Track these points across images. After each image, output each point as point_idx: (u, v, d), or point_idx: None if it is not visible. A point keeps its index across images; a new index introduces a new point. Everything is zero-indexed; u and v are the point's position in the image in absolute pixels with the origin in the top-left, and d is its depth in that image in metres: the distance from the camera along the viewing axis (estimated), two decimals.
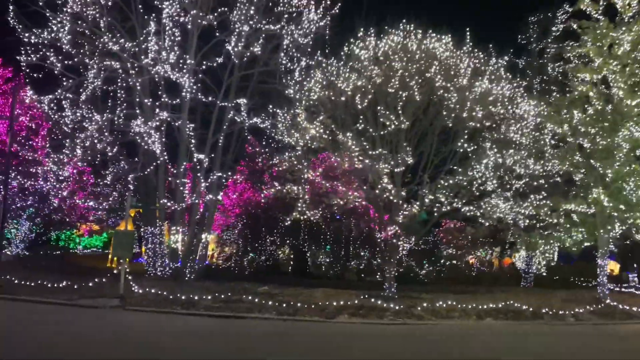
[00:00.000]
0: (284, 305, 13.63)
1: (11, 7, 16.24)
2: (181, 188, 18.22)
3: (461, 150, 14.36)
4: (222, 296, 14.14)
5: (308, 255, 28.37)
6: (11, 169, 22.28)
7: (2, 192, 18.50)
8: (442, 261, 28.30)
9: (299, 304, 13.62)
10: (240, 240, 27.44)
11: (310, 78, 15.49)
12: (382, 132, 14.37)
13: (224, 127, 18.33)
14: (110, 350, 9.25)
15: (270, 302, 13.77)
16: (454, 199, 14.45)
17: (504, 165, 14.48)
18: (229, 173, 18.98)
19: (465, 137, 14.44)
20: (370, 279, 26.98)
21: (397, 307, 13.89)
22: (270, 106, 17.74)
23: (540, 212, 16.05)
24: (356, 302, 13.82)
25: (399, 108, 14.12)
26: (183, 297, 13.97)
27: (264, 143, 18.08)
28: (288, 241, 27.89)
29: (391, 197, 14.32)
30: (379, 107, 14.11)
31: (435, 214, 14.77)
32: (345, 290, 17.58)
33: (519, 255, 29.03)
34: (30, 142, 22.57)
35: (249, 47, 17.44)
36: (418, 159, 14.61)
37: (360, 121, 14.44)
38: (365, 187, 14.39)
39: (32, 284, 15.42)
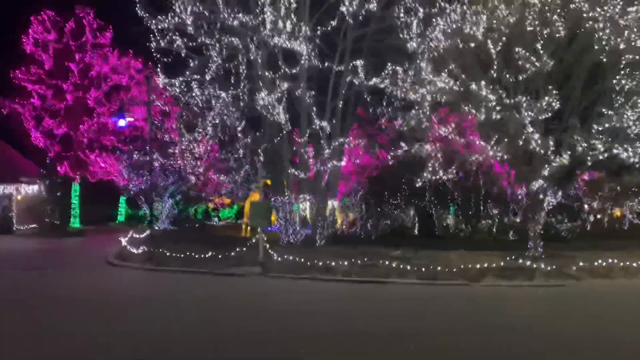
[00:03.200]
0: (423, 269, 13.21)
1: None
2: (306, 157, 18.35)
3: (617, 87, 12.51)
4: (359, 261, 14.06)
5: (434, 217, 27.57)
6: (153, 151, 24.26)
7: (148, 174, 20.06)
8: (585, 215, 25.89)
9: (439, 268, 13.10)
10: (363, 205, 27.40)
11: (433, 27, 14.44)
12: (520, 77, 13.00)
13: (342, 91, 17.99)
14: (281, 320, 9.41)
15: (408, 267, 13.42)
16: (612, 144, 12.72)
17: None
18: (350, 138, 18.70)
19: (622, 72, 12.52)
20: (503, 238, 25.60)
21: (547, 268, 12.80)
22: (389, 64, 16.98)
23: None
24: (502, 263, 12.96)
25: (539, 47, 12.62)
26: (320, 263, 14.14)
27: (384, 104, 17.45)
28: (413, 203, 27.30)
29: (537, 148, 13.01)
30: (516, 49, 12.72)
31: (589, 163, 13.17)
32: (482, 252, 16.69)
33: None
34: (167, 124, 24.25)
35: (363, 4, 16.74)
36: (563, 103, 13.03)
37: (495, 67, 13.17)
38: (506, 140, 13.23)
39: (182, 256, 16.62)
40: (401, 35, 17.23)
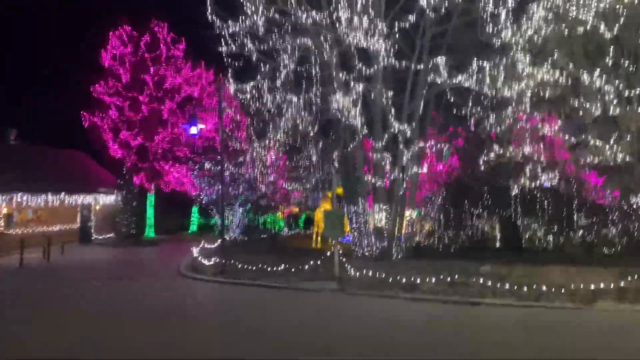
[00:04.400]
0: (524, 288, 11.51)
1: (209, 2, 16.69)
2: (383, 163, 17.07)
3: None
4: (448, 279, 12.57)
5: (521, 228, 25.37)
6: (223, 161, 23.94)
7: (220, 184, 19.53)
8: None
9: (544, 287, 11.35)
10: (442, 215, 25.71)
11: (529, 15, 12.78)
12: None
13: (423, 92, 16.60)
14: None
15: (506, 285, 11.77)
16: None
17: None
18: (432, 142, 17.20)
19: None
20: (600, 252, 23.03)
21: None
22: (475, 60, 15.42)
23: None
24: (621, 283, 11.01)
25: None
26: (403, 280, 12.79)
27: (469, 104, 15.82)
28: (497, 213, 25.27)
29: None
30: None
31: None
32: (587, 268, 14.65)
33: None
34: (236, 134, 23.85)
35: None
36: None
37: (610, 55, 11.34)
38: (628, 138, 11.32)
39: (253, 268, 15.85)
40: (487, 29, 15.69)
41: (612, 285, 11.00)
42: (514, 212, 24.86)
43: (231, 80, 16.76)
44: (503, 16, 15.18)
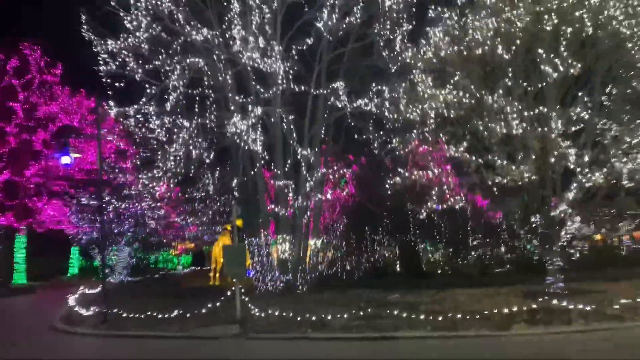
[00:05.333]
0: (440, 317, 10.95)
1: (83, 16, 14.83)
2: (286, 191, 16.07)
3: None
4: (361, 312, 11.70)
5: (420, 252, 25.60)
6: (106, 195, 21.46)
7: (99, 220, 17.19)
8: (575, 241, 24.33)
9: (458, 315, 10.87)
10: (343, 242, 25.27)
11: (427, 38, 12.71)
12: (541, 85, 11.30)
13: (324, 116, 16.00)
14: None
15: (420, 316, 11.14)
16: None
17: None
18: (335, 168, 16.59)
19: None
20: (493, 272, 23.87)
21: (585, 307, 10.77)
22: (374, 84, 15.20)
23: None
24: (533, 305, 10.83)
25: (561, 49, 10.93)
26: (313, 318, 11.69)
27: (370, 128, 15.48)
28: (397, 239, 25.30)
29: (570, 165, 11.17)
30: (539, 51, 11.00)
31: (626, 182, 11.35)
32: (491, 289, 14.70)
33: None
34: (119, 165, 21.58)
35: (343, 18, 15.01)
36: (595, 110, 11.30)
37: (509, 76, 11.43)
38: (534, 157, 11.35)
39: (142, 316, 13.84)
40: (384, 54, 15.62)
41: (523, 307, 10.79)
42: (414, 237, 25.14)
43: (112, 104, 14.88)
44: (399, 41, 15.21)
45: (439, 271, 24.75)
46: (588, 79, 11.69)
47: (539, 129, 11.00)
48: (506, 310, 10.72)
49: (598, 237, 26.29)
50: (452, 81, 11.78)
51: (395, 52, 14.98)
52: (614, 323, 10.37)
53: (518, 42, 11.25)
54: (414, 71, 12.88)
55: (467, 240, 24.26)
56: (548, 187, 12.19)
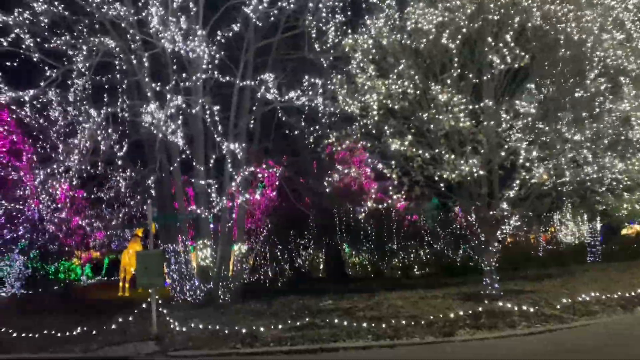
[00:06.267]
0: (381, 324, 10.13)
1: None
2: (209, 190, 14.62)
3: (603, 87, 10.77)
4: (297, 322, 10.61)
5: (345, 256, 25.02)
6: None
7: None
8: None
9: (402, 321, 10.12)
10: (267, 247, 24.12)
11: (366, 28, 11.94)
12: (487, 76, 10.88)
13: (252, 109, 14.78)
14: None
15: (362, 323, 10.27)
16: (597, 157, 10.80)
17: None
18: (264, 166, 15.42)
19: (601, 69, 10.88)
20: (420, 274, 23.93)
21: (527, 309, 10.45)
22: (306, 76, 14.26)
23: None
24: (479, 309, 10.33)
25: (508, 39, 10.54)
26: (243, 330, 10.42)
27: (303, 124, 14.47)
28: (323, 243, 24.52)
29: (520, 159, 10.76)
30: (488, 40, 10.51)
31: (567, 178, 11.17)
32: (428, 293, 14.32)
33: (571, 228, 26.01)
34: (12, 161, 18.83)
35: (274, 3, 13.92)
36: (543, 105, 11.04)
37: (455, 66, 10.88)
38: (482, 152, 10.85)
39: (37, 335, 11.77)
40: (316, 45, 14.75)
41: (469, 311, 10.28)
42: (339, 241, 24.53)
43: (3, 87, 12.64)
44: (332, 32, 14.41)
45: (360, 274, 24.52)
46: (533, 71, 11.52)
47: (485, 123, 10.63)
48: (452, 315, 10.13)
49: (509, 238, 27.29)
50: (395, 71, 11.10)
51: (329, 44, 14.11)
52: (555, 324, 10.13)
53: (464, 30, 10.78)
54: (352, 62, 12.09)
55: (391, 243, 24.06)
56: (484, 185, 11.88)
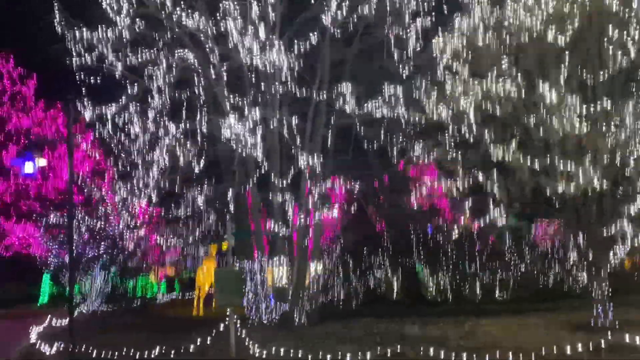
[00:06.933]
0: (486, 356, 8.96)
1: (56, 6, 12.91)
2: (285, 207, 14.09)
3: None
4: (385, 351, 9.66)
5: (425, 278, 23.72)
6: (79, 214, 19.21)
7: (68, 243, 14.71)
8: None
9: (510, 355, 8.88)
10: (340, 265, 23.37)
11: (457, 28, 11.04)
12: (605, 73, 9.58)
13: (330, 123, 14.19)
14: None
15: (461, 354, 9.15)
16: None
17: None
18: (340, 181, 14.73)
19: None
20: (502, 298, 22.21)
21: None
22: (386, 85, 13.51)
23: None
24: (600, 342, 8.93)
25: (634, 34, 9.20)
26: (328, 357, 9.59)
27: (384, 134, 13.67)
28: (399, 263, 23.43)
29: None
30: (610, 35, 9.25)
31: None
32: (528, 320, 12.97)
33: None
34: (94, 179, 19.37)
35: (353, 10, 13.33)
36: None
37: (566, 64, 9.68)
38: (605, 161, 9.52)
39: (116, 354, 11.56)
40: (395, 54, 14.01)
41: (590, 342, 8.87)
42: (417, 262, 23.32)
43: (86, 104, 12.83)
44: (413, 38, 13.64)
45: (439, 297, 23.17)
46: None
47: (605, 127, 9.29)
48: (568, 349, 8.77)
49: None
50: (494, 71, 10.03)
51: (411, 51, 13.32)
52: None
53: (576, 23, 9.54)
54: (439, 65, 11.17)
55: (472, 264, 22.57)
56: (596, 199, 10.42)
